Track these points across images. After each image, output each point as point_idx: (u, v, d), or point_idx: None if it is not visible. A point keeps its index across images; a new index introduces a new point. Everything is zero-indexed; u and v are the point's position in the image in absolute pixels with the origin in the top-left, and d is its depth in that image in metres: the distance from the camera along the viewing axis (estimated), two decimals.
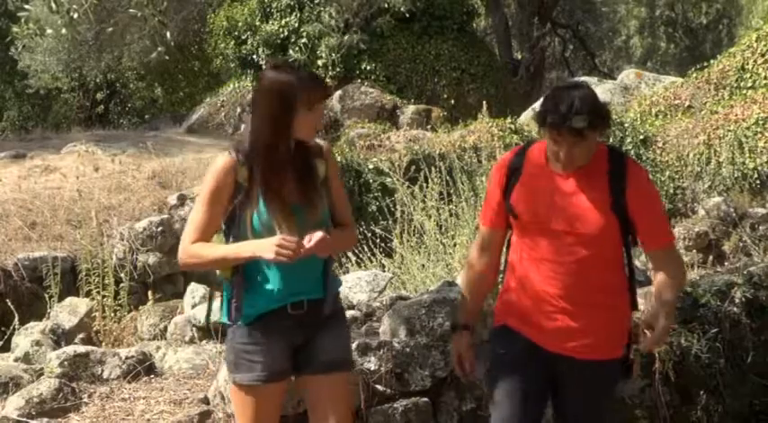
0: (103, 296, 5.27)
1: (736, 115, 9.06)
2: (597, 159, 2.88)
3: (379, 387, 3.67)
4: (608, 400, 3.08)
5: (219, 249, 2.91)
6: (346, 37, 14.23)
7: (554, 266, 2.91)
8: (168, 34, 8.97)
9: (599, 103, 2.79)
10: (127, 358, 4.13)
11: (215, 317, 3.20)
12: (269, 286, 2.93)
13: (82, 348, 4.19)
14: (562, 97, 2.76)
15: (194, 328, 5.00)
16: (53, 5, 7.16)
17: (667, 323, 2.91)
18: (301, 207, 2.90)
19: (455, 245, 5.48)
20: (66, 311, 5.39)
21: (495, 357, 3.10)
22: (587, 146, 2.80)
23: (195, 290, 5.52)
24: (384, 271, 5.46)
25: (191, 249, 2.94)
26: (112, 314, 5.28)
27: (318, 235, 2.80)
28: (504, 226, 3.08)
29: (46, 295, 5.70)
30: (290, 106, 2.83)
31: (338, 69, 14.58)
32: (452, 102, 14.98)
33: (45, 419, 3.69)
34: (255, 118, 2.90)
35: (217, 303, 3.14)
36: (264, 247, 2.77)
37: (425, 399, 3.76)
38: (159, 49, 10.59)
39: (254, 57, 15.32)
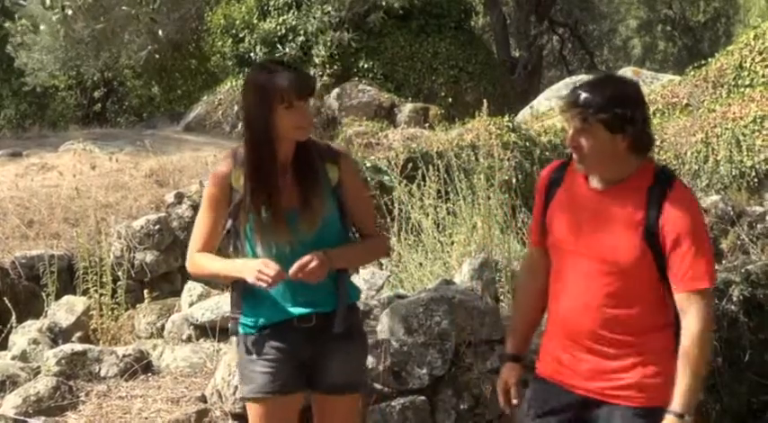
0: (101, 294, 5.27)
1: (734, 113, 9.07)
2: (640, 178, 2.56)
3: (376, 385, 3.66)
4: None
5: (214, 265, 2.85)
6: (337, 33, 14.20)
7: (584, 297, 2.61)
8: (160, 32, 8.95)
9: (624, 102, 2.49)
10: (124, 356, 4.13)
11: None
12: (274, 296, 2.81)
13: (79, 347, 4.18)
14: (591, 82, 2.57)
15: (192, 327, 5.00)
16: (47, 1, 7.14)
17: None
18: (297, 212, 2.78)
19: (453, 243, 5.48)
20: (64, 310, 5.37)
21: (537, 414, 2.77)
22: (597, 142, 2.50)
23: (192, 288, 5.52)
24: (381, 269, 5.45)
25: (193, 259, 2.89)
26: (110, 312, 5.27)
27: (305, 260, 2.69)
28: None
29: (43, 293, 5.69)
30: (267, 105, 2.72)
31: (335, 67, 14.56)
32: (450, 100, 14.96)
33: (42, 418, 3.69)
34: (242, 121, 2.85)
35: None
36: (247, 270, 2.70)
37: (423, 397, 3.76)
38: (149, 47, 10.57)
39: (252, 55, 15.29)
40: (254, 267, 2.68)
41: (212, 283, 5.28)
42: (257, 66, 2.91)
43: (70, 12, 7.04)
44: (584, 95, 2.51)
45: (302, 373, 2.88)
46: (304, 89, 2.78)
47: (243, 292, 2.84)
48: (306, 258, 2.70)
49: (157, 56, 14.09)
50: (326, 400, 2.94)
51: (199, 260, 2.87)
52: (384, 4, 14.23)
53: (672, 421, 2.49)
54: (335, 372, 2.89)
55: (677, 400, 2.50)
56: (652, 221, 2.50)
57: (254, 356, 2.84)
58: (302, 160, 2.84)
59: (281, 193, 2.77)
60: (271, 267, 2.66)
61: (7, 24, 10.16)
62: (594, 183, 2.62)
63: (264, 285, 2.67)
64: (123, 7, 7.84)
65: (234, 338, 2.97)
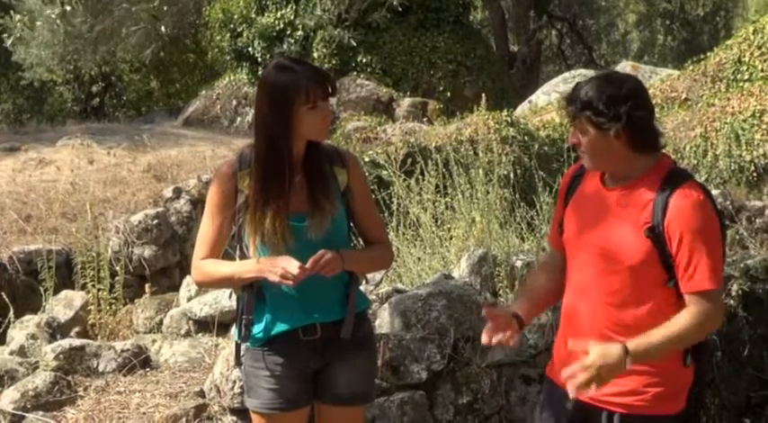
0: (99, 289, 5.26)
1: (733, 108, 9.07)
2: (651, 177, 2.51)
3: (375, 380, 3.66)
4: None
5: (225, 268, 2.74)
6: (337, 31, 14.17)
7: (590, 296, 2.57)
8: (163, 28, 8.93)
9: (612, 100, 2.44)
10: (122, 351, 4.12)
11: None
12: (280, 305, 2.73)
13: (77, 342, 4.18)
14: (588, 79, 2.54)
15: (190, 322, 5.00)
16: None
17: (600, 360, 2.34)
18: (307, 215, 2.70)
19: (451, 238, 5.47)
20: (62, 305, 5.37)
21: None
22: (589, 139, 2.49)
23: (191, 283, 5.51)
24: None
25: (199, 267, 2.78)
26: (108, 307, 5.27)
27: (319, 254, 2.61)
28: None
29: (41, 288, 5.68)
30: (289, 105, 2.64)
31: (333, 62, 14.56)
32: (448, 94, 14.95)
33: (40, 413, 3.68)
34: (255, 121, 2.75)
35: None
36: (269, 268, 2.60)
37: (421, 392, 3.75)
38: (153, 45, 10.55)
39: (250, 49, 15.29)
40: (277, 265, 2.58)
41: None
42: (276, 64, 2.74)
43: (69, 8, 7.00)
44: (575, 92, 2.51)
45: (309, 387, 2.83)
46: (329, 89, 2.72)
47: (257, 296, 2.75)
48: (320, 252, 2.62)
49: (162, 54, 14.09)
50: (331, 411, 2.88)
51: (205, 267, 2.76)
52: (384, 1, 14.20)
53: (616, 348, 2.36)
54: (345, 382, 2.83)
55: (635, 339, 2.39)
56: (657, 221, 2.45)
57: (259, 370, 2.78)
58: (313, 162, 2.76)
59: (291, 195, 2.69)
60: (293, 265, 2.56)
61: (1, 22, 10.05)
62: (608, 181, 2.60)
63: (290, 284, 2.58)
64: (123, 5, 7.80)
65: (233, 334, 2.89)
